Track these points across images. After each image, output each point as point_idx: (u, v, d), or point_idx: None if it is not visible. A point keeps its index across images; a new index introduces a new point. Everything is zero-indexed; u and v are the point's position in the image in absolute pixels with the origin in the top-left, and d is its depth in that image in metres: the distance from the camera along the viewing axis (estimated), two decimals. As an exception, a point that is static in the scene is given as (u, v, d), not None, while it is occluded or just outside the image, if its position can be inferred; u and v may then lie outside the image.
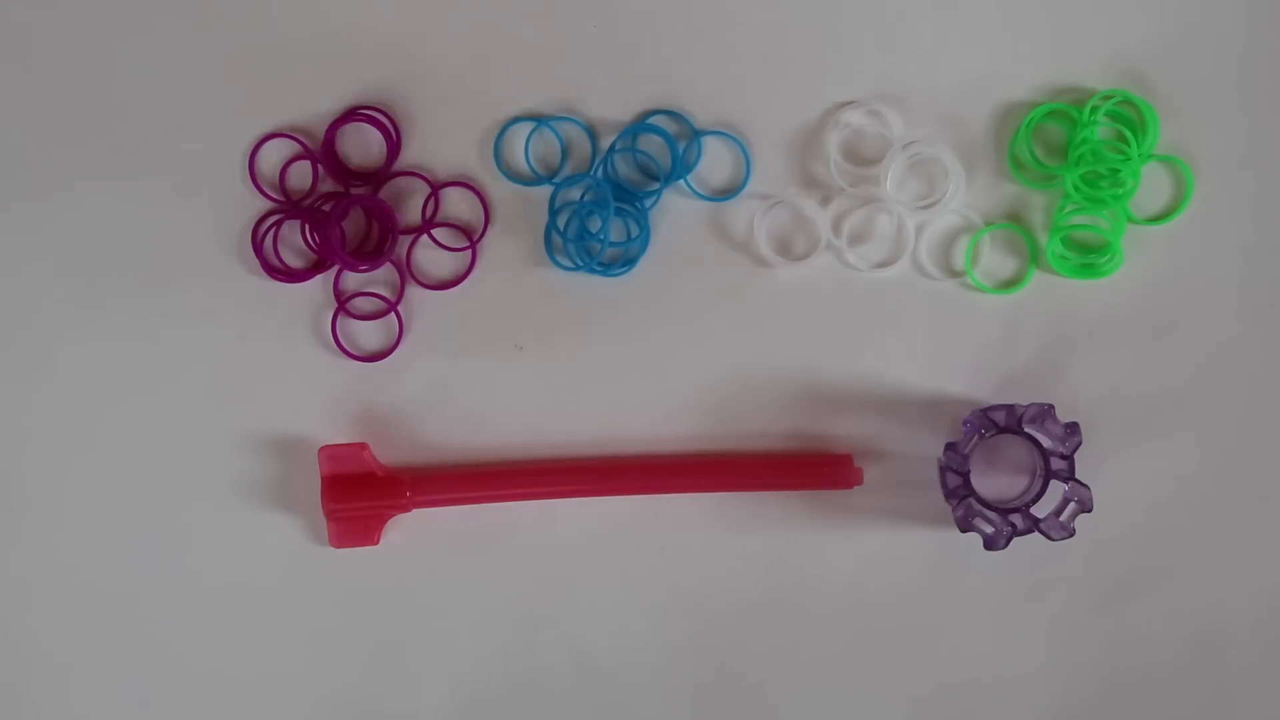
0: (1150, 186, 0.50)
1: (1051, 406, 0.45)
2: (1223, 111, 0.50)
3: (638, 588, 0.51)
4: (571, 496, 0.50)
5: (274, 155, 0.51)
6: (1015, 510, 0.47)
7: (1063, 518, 0.46)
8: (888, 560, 0.49)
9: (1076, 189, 0.49)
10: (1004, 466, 0.50)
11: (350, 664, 0.51)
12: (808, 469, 0.50)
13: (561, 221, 0.51)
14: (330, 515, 0.50)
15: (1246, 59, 0.50)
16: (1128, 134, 0.49)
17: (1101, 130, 0.50)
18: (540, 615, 0.51)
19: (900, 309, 0.51)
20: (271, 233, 0.51)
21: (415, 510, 0.50)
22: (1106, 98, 0.50)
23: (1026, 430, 0.46)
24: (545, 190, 0.51)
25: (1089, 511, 0.46)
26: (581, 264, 0.50)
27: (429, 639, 0.51)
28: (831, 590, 0.51)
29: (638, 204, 0.50)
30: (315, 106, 0.51)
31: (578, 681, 0.51)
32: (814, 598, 0.51)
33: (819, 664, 0.51)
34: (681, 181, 0.51)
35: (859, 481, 0.50)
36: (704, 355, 0.51)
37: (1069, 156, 0.50)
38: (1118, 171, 0.49)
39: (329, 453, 0.50)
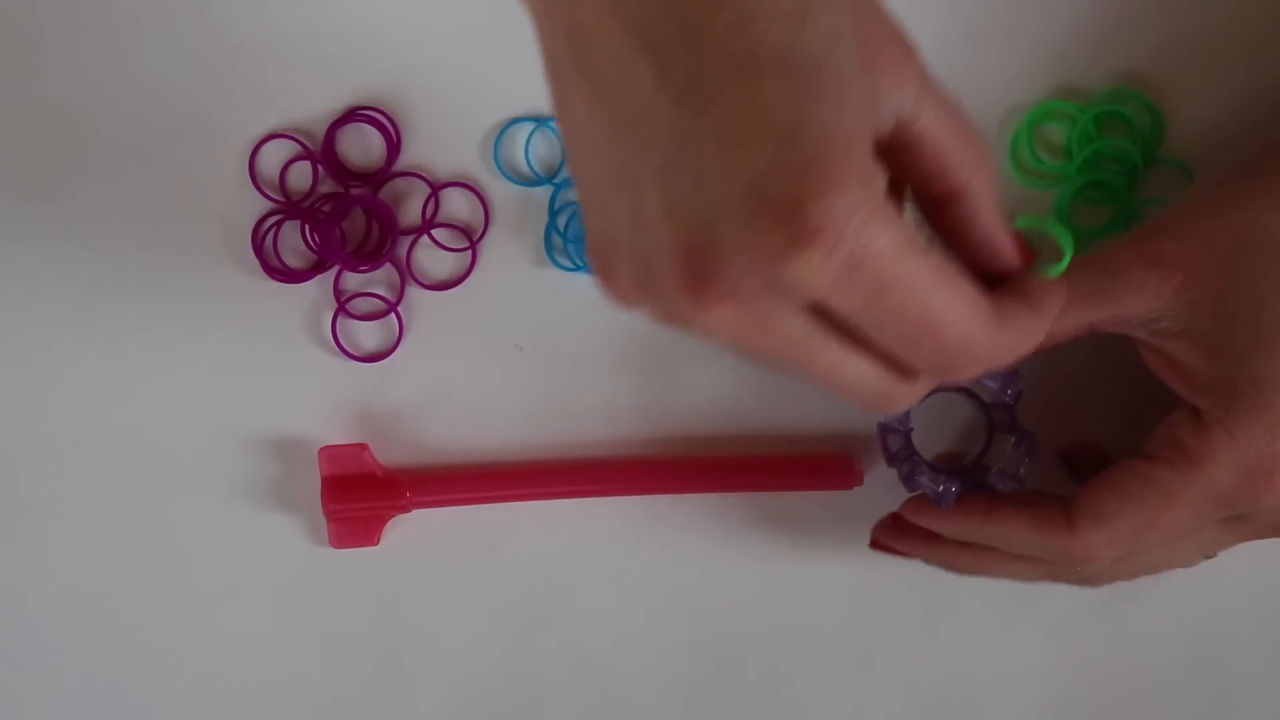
0: (1154, 189, 0.50)
1: None
2: (1226, 114, 0.50)
3: (638, 588, 0.51)
4: (571, 497, 0.50)
5: (274, 155, 0.51)
6: (960, 468, 0.46)
7: (1009, 469, 0.45)
8: (887, 560, 0.49)
9: (1079, 190, 0.49)
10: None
11: (350, 664, 0.51)
12: (808, 469, 0.50)
13: (561, 222, 0.50)
14: (330, 516, 0.50)
15: (1250, 60, 0.50)
16: (1133, 134, 0.49)
17: (1105, 130, 0.49)
18: (540, 615, 0.51)
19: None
20: (271, 233, 0.51)
21: (415, 511, 0.50)
22: (1111, 97, 0.49)
23: (966, 385, 0.46)
24: (545, 190, 0.51)
25: (1036, 459, 0.45)
26: (581, 264, 0.50)
27: (429, 639, 0.51)
28: (831, 590, 0.51)
29: (638, 204, 0.50)
30: (315, 106, 0.50)
31: (578, 681, 0.51)
32: (814, 598, 0.51)
33: (819, 664, 0.51)
34: (682, 182, 0.51)
35: (859, 481, 0.50)
36: (703, 355, 0.51)
37: (1071, 157, 0.49)
38: (1121, 173, 0.49)
39: (329, 453, 0.50)
